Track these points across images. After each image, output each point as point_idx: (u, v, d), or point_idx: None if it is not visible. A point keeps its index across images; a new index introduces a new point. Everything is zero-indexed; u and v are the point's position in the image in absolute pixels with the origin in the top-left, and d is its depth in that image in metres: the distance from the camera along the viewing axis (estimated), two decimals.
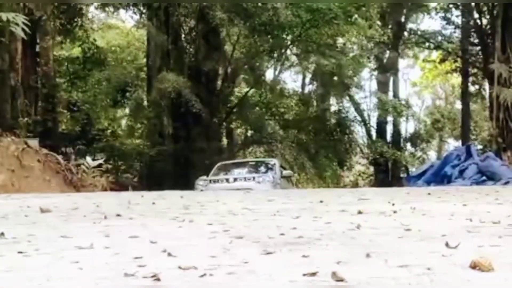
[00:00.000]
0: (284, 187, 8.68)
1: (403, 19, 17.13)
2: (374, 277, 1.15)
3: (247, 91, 14.75)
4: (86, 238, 1.77)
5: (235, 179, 8.48)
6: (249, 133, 14.78)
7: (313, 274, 1.17)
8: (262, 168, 9.56)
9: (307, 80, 17.68)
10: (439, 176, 9.24)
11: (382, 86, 17.29)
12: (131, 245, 1.67)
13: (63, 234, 1.93)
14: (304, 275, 1.17)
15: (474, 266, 1.22)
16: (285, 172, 9.24)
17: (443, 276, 1.16)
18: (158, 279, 1.17)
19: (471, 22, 15.35)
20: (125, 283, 1.16)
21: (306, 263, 1.32)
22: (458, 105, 19.95)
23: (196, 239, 1.80)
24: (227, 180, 8.48)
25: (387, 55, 17.23)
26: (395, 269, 1.24)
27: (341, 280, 1.12)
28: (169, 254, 1.46)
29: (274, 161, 9.88)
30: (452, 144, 20.20)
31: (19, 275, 1.26)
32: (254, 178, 8.49)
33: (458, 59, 16.57)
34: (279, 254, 1.47)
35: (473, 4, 14.74)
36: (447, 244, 1.53)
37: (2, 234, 1.90)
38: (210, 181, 8.45)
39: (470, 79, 16.68)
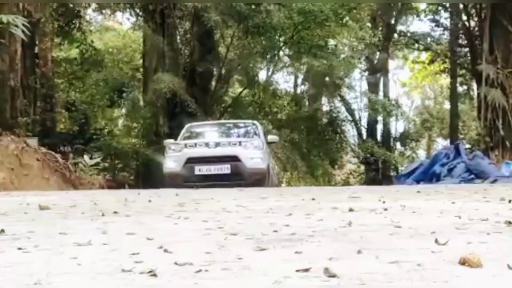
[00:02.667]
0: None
1: (393, 21, 17.30)
2: (365, 273, 1.18)
3: (241, 92, 14.77)
4: (84, 235, 1.78)
5: (216, 144, 6.82)
6: None
7: (306, 270, 1.19)
8: (244, 131, 8.05)
9: (299, 80, 17.76)
10: (428, 175, 9.34)
11: (373, 87, 17.43)
12: (128, 242, 1.68)
13: (62, 230, 1.94)
14: (297, 271, 1.19)
15: (463, 263, 1.24)
16: (270, 137, 7.81)
17: (433, 272, 1.18)
18: (155, 275, 1.18)
19: (460, 24, 15.53)
20: (122, 278, 1.18)
21: (299, 259, 1.34)
22: (447, 105, 20.18)
23: (191, 235, 1.81)
24: (207, 145, 6.83)
25: (377, 56, 17.38)
26: (386, 265, 1.27)
27: (333, 275, 1.14)
28: (165, 251, 1.48)
29: (255, 124, 8.13)
30: (441, 143, 20.44)
31: (19, 270, 1.26)
32: (240, 143, 6.89)
33: (447, 60, 16.78)
34: (272, 250, 1.49)
35: (461, 6, 14.92)
36: (436, 241, 1.56)
37: (2, 230, 1.91)
38: (185, 145, 6.84)
39: (459, 79, 16.89)
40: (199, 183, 6.18)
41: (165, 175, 6.88)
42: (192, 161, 6.63)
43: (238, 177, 6.49)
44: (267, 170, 6.86)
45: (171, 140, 7.46)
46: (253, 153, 6.74)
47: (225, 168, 6.58)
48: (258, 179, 6.55)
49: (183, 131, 7.81)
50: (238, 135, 7.92)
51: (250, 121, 8.68)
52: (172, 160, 6.80)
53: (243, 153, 6.67)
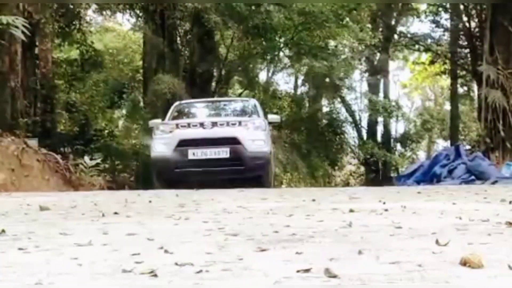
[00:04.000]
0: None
1: (393, 22, 17.32)
2: (366, 273, 1.18)
3: (241, 93, 14.79)
4: (85, 235, 1.78)
5: (213, 124, 5.92)
6: None
7: (307, 270, 1.19)
8: (241, 109, 7.14)
9: (300, 81, 17.77)
10: (428, 176, 9.33)
11: (373, 88, 17.45)
12: (129, 242, 1.68)
13: (62, 231, 1.94)
14: (297, 271, 1.19)
15: (464, 263, 1.24)
16: (271, 117, 7.00)
17: (433, 272, 1.18)
18: (155, 275, 1.18)
19: (460, 25, 15.55)
20: (123, 278, 1.18)
21: (299, 260, 1.34)
22: (447, 106, 20.20)
23: (192, 236, 1.81)
24: (202, 125, 5.95)
25: (377, 58, 17.39)
26: (386, 265, 1.27)
27: (334, 276, 1.15)
28: (166, 251, 1.48)
29: (254, 101, 7.36)
30: (441, 145, 20.47)
31: (19, 270, 1.27)
32: (240, 123, 6.00)
33: (447, 61, 16.78)
34: (273, 251, 1.49)
35: (462, 7, 14.94)
36: (437, 242, 1.55)
37: (3, 231, 1.91)
38: (177, 125, 5.96)
39: (459, 80, 16.90)
40: (193, 168, 5.60)
41: (153, 161, 5.99)
42: (185, 143, 5.77)
43: (237, 162, 5.74)
44: (270, 155, 6.11)
45: (159, 120, 6.57)
46: (255, 134, 5.91)
47: (223, 152, 5.74)
48: (260, 165, 5.81)
49: (171, 110, 6.83)
50: (236, 114, 6.99)
51: (248, 98, 7.88)
52: (161, 143, 5.88)
53: (243, 135, 5.82)
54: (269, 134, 6.30)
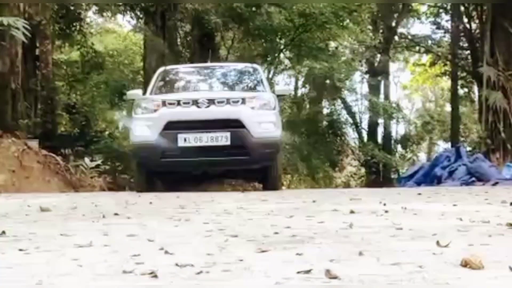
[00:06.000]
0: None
1: (394, 24, 17.33)
2: (366, 275, 1.18)
3: None
4: (85, 236, 1.78)
5: (210, 102, 4.64)
6: None
7: (307, 271, 1.19)
8: (242, 80, 5.89)
9: (300, 83, 17.78)
10: (429, 177, 9.33)
11: (373, 89, 17.46)
12: (129, 243, 1.68)
13: (63, 232, 1.94)
14: (298, 272, 1.19)
15: (465, 264, 1.24)
16: (280, 89, 5.82)
17: (434, 273, 1.18)
18: (156, 276, 1.18)
19: (461, 27, 15.57)
20: (123, 279, 1.18)
21: (300, 261, 1.34)
22: (448, 107, 20.19)
23: (192, 237, 1.81)
24: (195, 103, 4.63)
25: (378, 59, 17.41)
26: (387, 266, 1.27)
27: (335, 277, 1.15)
28: (166, 252, 1.48)
29: (257, 69, 5.86)
30: (442, 146, 20.45)
31: (20, 271, 1.27)
32: (244, 100, 4.72)
33: (448, 63, 16.81)
34: (273, 252, 1.49)
35: (462, 9, 14.96)
36: (438, 243, 1.55)
37: (3, 232, 1.91)
38: (164, 103, 4.68)
39: (460, 82, 16.91)
40: (184, 158, 4.53)
41: (133, 148, 4.87)
42: (173, 126, 4.58)
43: (240, 150, 4.58)
44: (280, 141, 4.96)
45: (139, 92, 5.13)
46: (262, 114, 4.69)
47: (223, 138, 4.54)
48: (268, 154, 4.66)
49: (154, 78, 5.45)
50: (237, 85, 5.71)
51: (250, 64, 6.20)
52: (143, 125, 4.63)
53: (248, 115, 4.61)
54: (279, 114, 5.01)
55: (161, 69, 5.79)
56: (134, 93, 5.24)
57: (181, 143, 4.59)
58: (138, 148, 4.77)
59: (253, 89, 5.50)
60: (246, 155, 4.63)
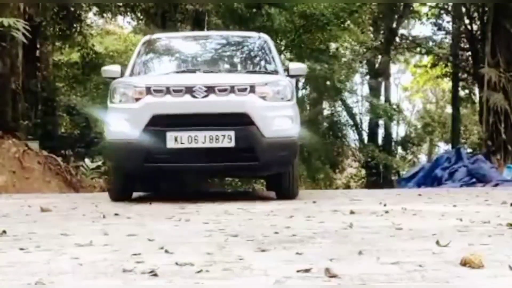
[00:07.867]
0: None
1: (394, 25, 17.34)
2: (366, 273, 1.18)
3: None
4: (85, 236, 1.79)
5: (208, 90, 3.45)
6: None
7: (307, 270, 1.20)
8: (248, 56, 4.50)
9: (300, 84, 17.77)
10: (429, 178, 9.33)
11: (374, 91, 17.46)
12: (129, 243, 1.68)
13: (63, 232, 1.95)
14: (298, 271, 1.19)
15: (464, 263, 1.24)
16: (294, 67, 4.02)
17: (434, 272, 1.19)
18: (156, 275, 1.19)
19: (462, 28, 15.57)
20: (123, 278, 1.18)
21: (300, 260, 1.34)
22: (449, 109, 20.18)
23: (192, 237, 1.82)
24: (190, 90, 3.44)
25: (379, 60, 17.41)
26: (387, 265, 1.27)
27: (334, 276, 1.15)
28: (166, 251, 1.49)
29: (266, 40, 4.32)
30: (442, 147, 20.45)
31: (21, 270, 1.27)
32: (253, 87, 3.51)
33: (449, 64, 16.80)
34: (273, 251, 1.49)
35: (463, 10, 14.97)
36: (437, 243, 1.56)
37: (4, 232, 1.92)
38: (148, 89, 3.46)
39: (460, 83, 16.91)
40: (175, 164, 3.46)
41: (108, 147, 3.65)
42: (161, 121, 3.43)
43: (248, 154, 3.45)
44: (298, 141, 3.74)
45: (118, 70, 3.88)
46: (277, 107, 3.53)
47: (226, 138, 3.39)
48: (283, 158, 3.54)
49: (137, 49, 4.24)
50: (242, 65, 4.34)
51: (256, 33, 4.52)
52: (121, 118, 3.48)
53: (258, 108, 3.46)
54: (296, 105, 3.75)
55: (146, 37, 4.45)
56: (111, 69, 3.95)
57: (170, 144, 3.41)
58: (115, 148, 3.56)
59: (264, 68, 4.16)
60: (255, 160, 3.49)
